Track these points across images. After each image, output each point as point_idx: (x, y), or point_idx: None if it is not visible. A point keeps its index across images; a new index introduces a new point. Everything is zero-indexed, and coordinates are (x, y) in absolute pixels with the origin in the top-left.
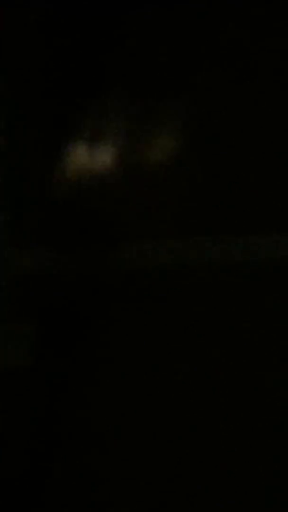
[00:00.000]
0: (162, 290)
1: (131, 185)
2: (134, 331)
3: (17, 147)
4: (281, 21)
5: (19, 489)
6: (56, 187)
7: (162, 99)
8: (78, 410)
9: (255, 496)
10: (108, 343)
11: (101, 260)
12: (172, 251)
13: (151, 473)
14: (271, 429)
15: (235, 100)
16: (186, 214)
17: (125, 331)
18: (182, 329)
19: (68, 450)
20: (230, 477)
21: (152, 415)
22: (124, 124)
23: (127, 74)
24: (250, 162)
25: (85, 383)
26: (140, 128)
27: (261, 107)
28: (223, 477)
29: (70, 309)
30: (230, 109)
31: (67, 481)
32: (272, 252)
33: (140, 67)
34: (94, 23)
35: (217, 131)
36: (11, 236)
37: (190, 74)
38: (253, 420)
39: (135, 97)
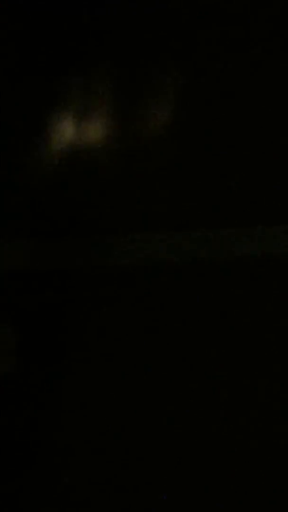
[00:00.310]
0: (157, 288)
1: (121, 172)
2: (127, 332)
3: None
4: None
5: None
6: (37, 174)
7: (160, 79)
8: (70, 414)
9: (255, 496)
10: (99, 344)
11: (90, 254)
12: (167, 245)
13: (138, 482)
14: (271, 426)
15: (236, 87)
16: (182, 205)
17: (118, 333)
18: (179, 330)
19: (50, 458)
20: (227, 478)
21: (145, 419)
22: (116, 110)
23: (115, 46)
24: (249, 152)
25: (74, 387)
26: (133, 113)
27: (262, 94)
28: (219, 479)
29: (56, 307)
30: (231, 97)
31: (49, 488)
32: (271, 247)
33: (130, 38)
34: None
35: (214, 118)
36: None
37: (184, 49)
38: (251, 418)
39: (128, 77)
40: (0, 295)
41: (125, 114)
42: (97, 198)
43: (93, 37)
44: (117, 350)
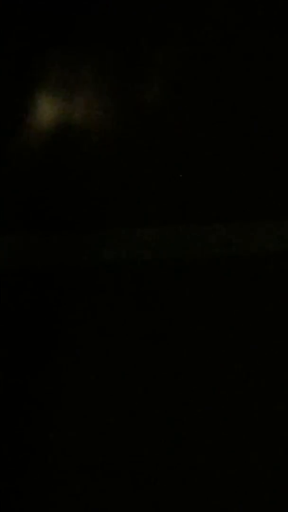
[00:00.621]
0: (153, 287)
1: (113, 162)
2: (122, 330)
3: None
4: None
5: None
6: (28, 167)
7: (155, 58)
8: (59, 416)
9: (255, 496)
10: (94, 343)
11: (79, 250)
12: (165, 241)
13: (138, 482)
14: (271, 426)
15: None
16: (180, 198)
17: (113, 330)
18: (174, 330)
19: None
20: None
21: (144, 420)
22: (114, 106)
23: (104, 22)
24: (251, 143)
25: (70, 388)
26: (126, 107)
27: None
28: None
29: (48, 305)
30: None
31: (33, 494)
32: (271, 243)
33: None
34: None
35: (213, 110)
36: None
37: (182, 29)
38: (251, 417)
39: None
40: None
41: (120, 107)
42: (92, 194)
43: (89, 15)
44: (113, 348)
